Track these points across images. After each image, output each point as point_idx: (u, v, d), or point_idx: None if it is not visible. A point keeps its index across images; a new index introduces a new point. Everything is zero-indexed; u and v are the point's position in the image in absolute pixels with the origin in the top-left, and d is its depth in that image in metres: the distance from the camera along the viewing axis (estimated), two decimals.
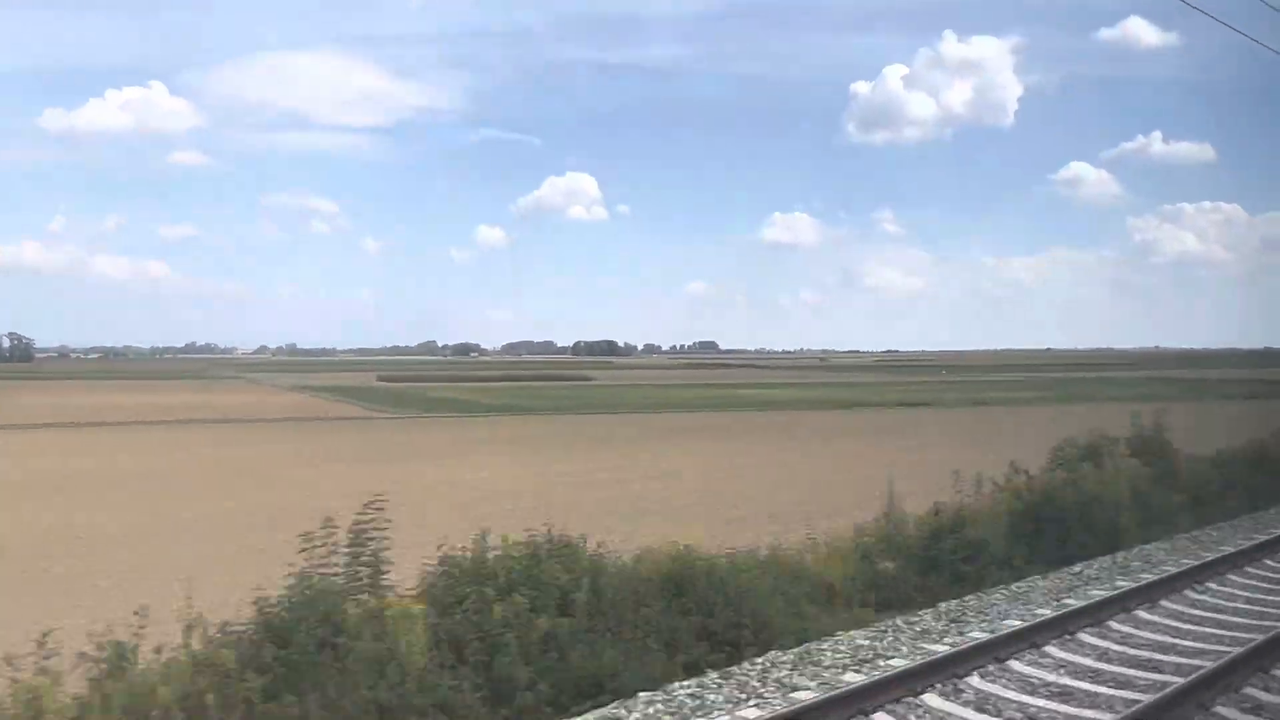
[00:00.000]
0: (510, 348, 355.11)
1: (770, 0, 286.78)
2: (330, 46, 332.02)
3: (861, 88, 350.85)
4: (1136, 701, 6.77)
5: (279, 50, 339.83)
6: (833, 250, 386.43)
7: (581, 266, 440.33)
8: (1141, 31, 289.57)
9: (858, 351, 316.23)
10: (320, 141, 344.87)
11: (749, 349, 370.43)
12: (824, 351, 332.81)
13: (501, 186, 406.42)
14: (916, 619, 9.63)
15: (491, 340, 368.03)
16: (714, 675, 7.91)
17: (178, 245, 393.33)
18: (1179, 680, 7.11)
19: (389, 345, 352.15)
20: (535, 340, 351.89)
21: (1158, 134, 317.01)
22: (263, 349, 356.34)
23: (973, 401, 69.13)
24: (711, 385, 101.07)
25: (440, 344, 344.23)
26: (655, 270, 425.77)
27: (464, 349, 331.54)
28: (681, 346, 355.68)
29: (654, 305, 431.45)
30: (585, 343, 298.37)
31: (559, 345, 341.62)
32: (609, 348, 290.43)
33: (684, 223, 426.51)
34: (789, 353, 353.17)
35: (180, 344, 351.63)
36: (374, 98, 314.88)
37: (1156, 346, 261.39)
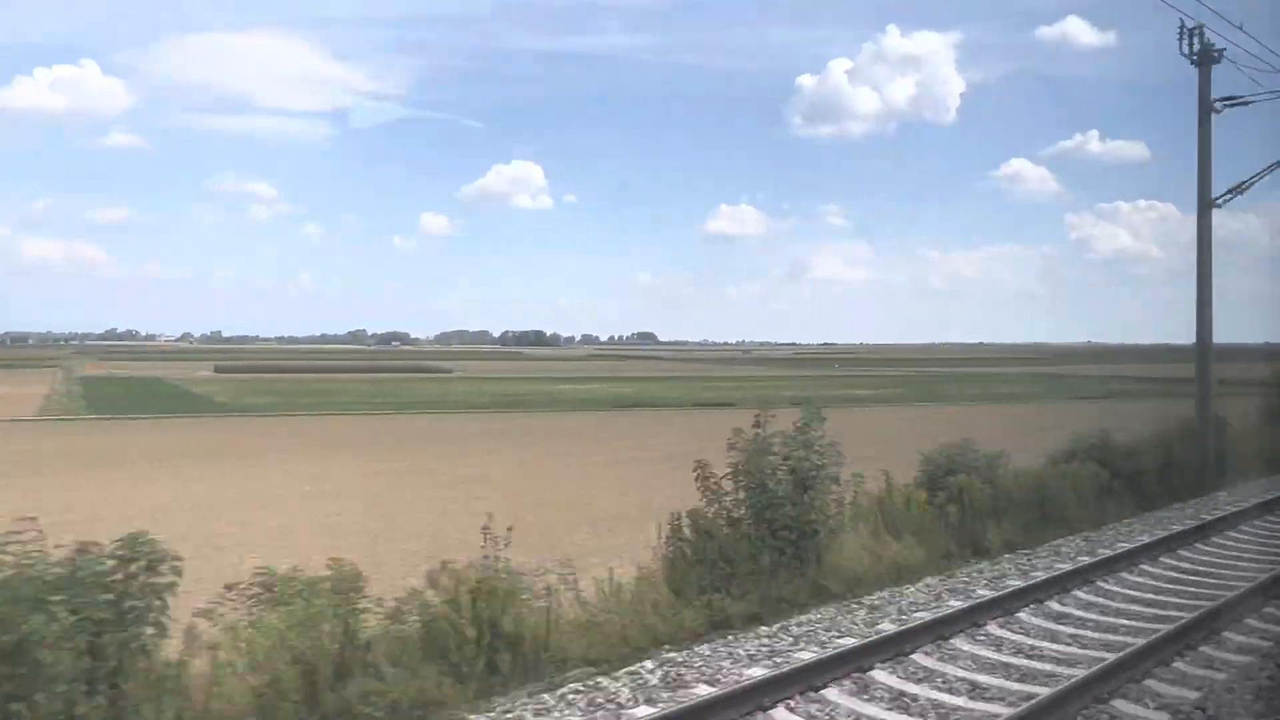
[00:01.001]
0: (443, 337, 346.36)
1: None
2: (270, 28, 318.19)
3: (806, 81, 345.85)
4: None
5: (218, 30, 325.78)
6: (779, 243, 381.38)
7: (527, 255, 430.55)
8: (1079, 31, 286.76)
9: (796, 344, 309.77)
10: (260, 125, 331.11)
11: (693, 340, 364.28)
12: (762, 344, 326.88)
13: (446, 174, 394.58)
14: None
15: (433, 329, 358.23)
16: None
17: (112, 229, 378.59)
18: None
19: (318, 334, 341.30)
20: (470, 330, 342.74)
21: (1095, 132, 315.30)
22: (186, 336, 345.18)
23: (790, 402, 61.33)
24: (556, 380, 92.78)
25: (370, 333, 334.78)
26: (602, 260, 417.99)
27: (390, 338, 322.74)
28: (619, 337, 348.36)
29: (600, 295, 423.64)
30: (513, 333, 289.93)
31: (495, 335, 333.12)
32: (537, 338, 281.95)
33: (632, 213, 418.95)
34: (729, 345, 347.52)
35: (100, 330, 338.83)
36: (316, 81, 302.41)
37: (1089, 341, 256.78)
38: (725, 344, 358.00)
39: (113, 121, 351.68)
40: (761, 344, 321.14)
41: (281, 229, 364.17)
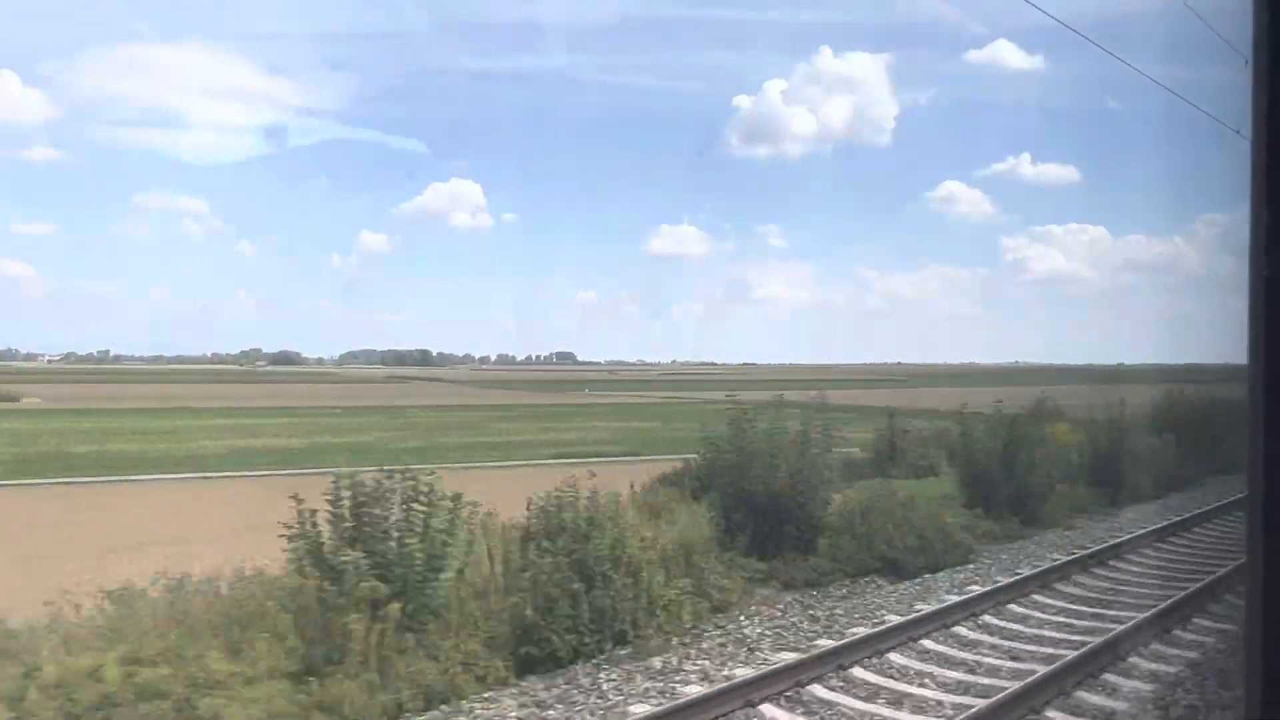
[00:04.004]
0: (349, 356, 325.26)
1: (659, 14, 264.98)
2: (199, 41, 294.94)
3: (743, 101, 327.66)
4: None
5: (145, 42, 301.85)
6: (720, 263, 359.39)
7: (465, 274, 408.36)
8: (1009, 55, 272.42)
9: (716, 363, 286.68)
10: (190, 140, 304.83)
11: (629, 360, 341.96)
12: (688, 363, 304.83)
13: (384, 191, 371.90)
14: None
15: (348, 347, 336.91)
16: None
17: (37, 244, 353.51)
18: None
19: (209, 354, 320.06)
20: (378, 349, 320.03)
21: (1026, 155, 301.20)
22: (70, 354, 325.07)
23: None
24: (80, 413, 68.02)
25: (263, 351, 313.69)
26: (542, 279, 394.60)
27: (285, 358, 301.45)
28: (538, 357, 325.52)
29: (540, 314, 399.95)
30: (396, 352, 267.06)
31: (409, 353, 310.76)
32: (422, 357, 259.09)
33: (573, 232, 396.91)
34: (662, 364, 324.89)
35: None
36: (248, 96, 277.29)
37: (1016, 361, 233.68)
38: (658, 363, 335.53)
39: (34, 134, 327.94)
40: (687, 363, 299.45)
41: (215, 246, 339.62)
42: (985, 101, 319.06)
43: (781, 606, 12.52)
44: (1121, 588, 13.66)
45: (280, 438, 40.97)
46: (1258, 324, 1.32)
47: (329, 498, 9.67)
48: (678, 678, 9.51)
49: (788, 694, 8.99)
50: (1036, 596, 13.10)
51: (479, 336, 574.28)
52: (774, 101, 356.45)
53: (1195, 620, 11.69)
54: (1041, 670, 9.25)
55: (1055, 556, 15.27)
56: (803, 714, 8.58)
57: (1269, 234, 1.30)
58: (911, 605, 12.39)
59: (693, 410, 68.69)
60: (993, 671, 9.86)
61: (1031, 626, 11.74)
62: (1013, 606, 12.56)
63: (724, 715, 8.39)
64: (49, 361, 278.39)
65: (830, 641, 10.62)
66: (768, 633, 11.28)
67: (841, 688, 9.29)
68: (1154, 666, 9.92)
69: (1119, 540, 16.36)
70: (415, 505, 9.93)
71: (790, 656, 9.96)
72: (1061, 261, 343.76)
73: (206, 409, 68.82)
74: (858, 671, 9.74)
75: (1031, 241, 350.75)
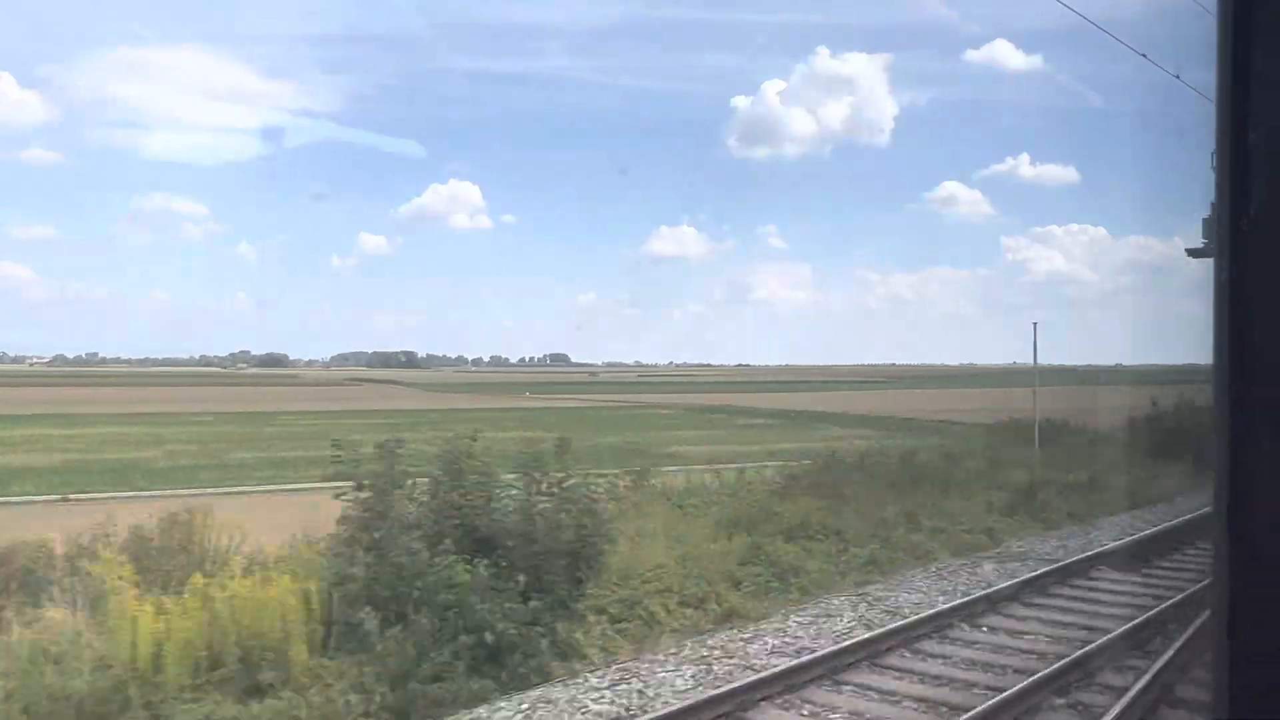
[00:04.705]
0: (340, 358, 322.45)
1: (657, 15, 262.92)
2: (196, 44, 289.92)
3: (741, 102, 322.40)
4: None
5: (143, 44, 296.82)
6: (720, 264, 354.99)
7: (465, 275, 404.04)
8: (1008, 55, 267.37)
9: (710, 365, 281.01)
10: (188, 141, 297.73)
11: (627, 361, 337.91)
12: (680, 365, 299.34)
13: (383, 193, 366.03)
14: None
15: (339, 349, 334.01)
16: None
17: (35, 247, 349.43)
18: None
19: (198, 355, 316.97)
20: (367, 351, 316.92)
21: (1025, 156, 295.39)
22: (59, 357, 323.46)
23: None
24: None
25: (253, 353, 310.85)
26: (542, 282, 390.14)
27: (272, 360, 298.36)
28: (531, 359, 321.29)
29: (541, 317, 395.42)
30: (381, 353, 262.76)
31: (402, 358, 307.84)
32: (408, 359, 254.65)
33: (572, 234, 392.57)
34: (659, 366, 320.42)
35: None
36: (246, 98, 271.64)
37: (1014, 362, 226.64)
38: (658, 365, 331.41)
39: (30, 136, 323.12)
40: (685, 365, 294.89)
41: (215, 248, 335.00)
42: (984, 101, 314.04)
43: None
44: None
45: (64, 453, 35.07)
46: (1221, 330, 1.31)
47: None
48: None
49: None
50: None
51: (478, 338, 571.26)
52: (772, 102, 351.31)
53: None
54: None
55: None
56: None
57: (1230, 238, 1.30)
58: None
59: (619, 416, 62.67)
60: None
61: None
62: None
63: None
64: (31, 364, 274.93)
65: None
66: None
67: None
68: None
69: None
70: None
71: None
72: (1062, 262, 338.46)
73: (87, 415, 63.15)
74: None
75: (1031, 242, 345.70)
